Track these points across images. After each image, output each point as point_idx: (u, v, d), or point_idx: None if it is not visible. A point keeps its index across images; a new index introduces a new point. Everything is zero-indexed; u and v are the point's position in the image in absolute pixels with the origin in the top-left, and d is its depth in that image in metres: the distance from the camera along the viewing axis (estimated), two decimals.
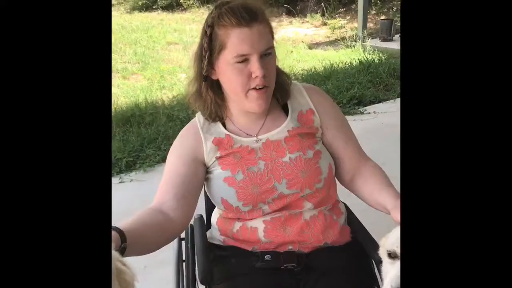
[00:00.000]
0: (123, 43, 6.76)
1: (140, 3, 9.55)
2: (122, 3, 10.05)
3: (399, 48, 5.61)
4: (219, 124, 1.11)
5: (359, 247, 1.11)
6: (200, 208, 1.21)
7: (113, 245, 0.78)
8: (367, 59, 5.08)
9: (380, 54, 5.41)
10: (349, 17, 7.98)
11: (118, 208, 1.56)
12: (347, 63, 5.09)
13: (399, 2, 8.02)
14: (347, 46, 6.10)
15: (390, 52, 5.52)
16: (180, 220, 1.02)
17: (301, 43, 6.69)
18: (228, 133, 1.10)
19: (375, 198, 1.03)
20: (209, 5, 9.31)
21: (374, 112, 3.72)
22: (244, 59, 0.99)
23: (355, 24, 7.01)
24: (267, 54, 1.01)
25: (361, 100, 3.93)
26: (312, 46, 6.57)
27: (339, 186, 1.18)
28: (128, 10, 9.65)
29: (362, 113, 3.73)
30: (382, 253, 0.84)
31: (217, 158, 1.08)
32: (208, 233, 1.19)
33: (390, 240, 0.81)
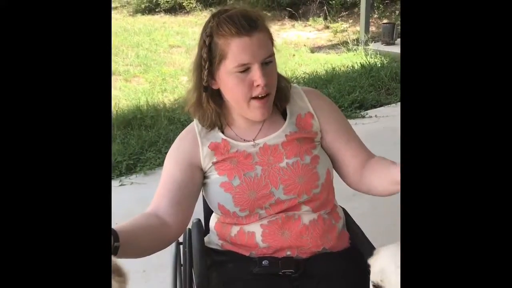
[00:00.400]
0: (125, 45, 6.78)
1: (143, 6, 9.58)
2: (125, 6, 10.09)
3: None
4: (217, 129, 1.11)
5: (358, 253, 1.10)
6: (199, 212, 1.20)
7: None
8: (369, 62, 5.08)
9: (382, 58, 5.41)
10: (351, 20, 7.99)
11: (119, 211, 1.55)
12: (349, 66, 5.09)
13: None
14: (349, 50, 6.11)
15: (392, 56, 5.52)
16: (176, 225, 1.01)
17: (303, 47, 6.69)
18: (224, 137, 1.09)
19: (387, 178, 0.97)
20: (211, 8, 9.33)
21: (376, 116, 3.72)
22: (245, 68, 0.98)
23: (358, 28, 7.02)
24: (268, 62, 1.00)
25: (362, 104, 3.93)
26: (314, 49, 6.57)
27: (337, 189, 1.17)
28: (131, 13, 9.68)
29: (363, 117, 3.72)
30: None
31: (214, 163, 1.07)
32: (206, 238, 1.19)
33: (373, 270, 0.80)
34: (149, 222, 0.97)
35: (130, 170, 2.97)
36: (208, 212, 1.25)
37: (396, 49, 5.85)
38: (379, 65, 4.97)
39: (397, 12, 7.87)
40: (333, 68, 5.01)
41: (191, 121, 1.15)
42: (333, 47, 6.66)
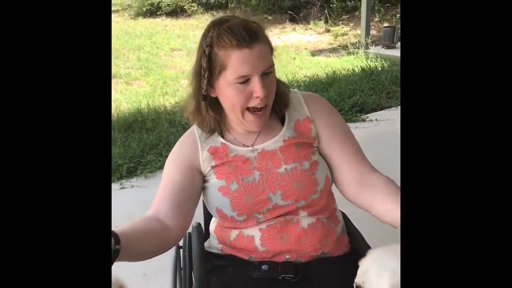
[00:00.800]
0: (126, 48, 6.79)
1: (144, 9, 9.60)
2: (126, 9, 10.11)
3: None
4: (216, 134, 1.11)
5: (357, 258, 1.09)
6: (199, 216, 1.20)
7: None
8: (370, 66, 5.09)
9: (383, 62, 5.42)
10: (352, 24, 8.00)
11: (119, 214, 1.56)
12: (349, 70, 5.09)
13: None
14: (349, 53, 6.12)
15: (393, 60, 5.53)
16: (176, 228, 1.01)
17: (304, 50, 6.70)
18: (224, 141, 1.09)
19: (392, 218, 0.92)
20: (213, 12, 9.36)
21: (376, 119, 3.72)
22: (245, 80, 0.98)
23: (358, 31, 7.02)
24: (268, 73, 1.00)
25: (363, 107, 3.93)
26: (315, 53, 6.58)
27: (337, 192, 1.16)
28: (132, 16, 9.70)
29: (364, 120, 3.72)
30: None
31: (212, 167, 1.08)
32: (206, 243, 1.19)
33: (359, 272, 0.79)
34: (150, 226, 0.97)
35: (130, 173, 2.97)
36: (208, 216, 1.25)
37: (396, 52, 5.85)
38: (380, 69, 4.98)
39: (398, 15, 7.88)
40: (334, 72, 5.02)
41: (192, 124, 1.15)
42: (333, 50, 6.67)
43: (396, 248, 0.74)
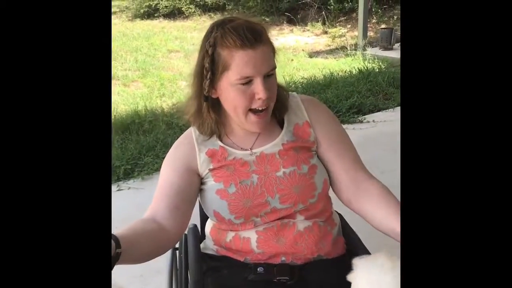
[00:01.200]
0: (124, 50, 6.79)
1: (141, 11, 9.60)
2: (123, 11, 10.11)
3: (399, 57, 5.64)
4: (214, 136, 1.10)
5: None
6: (194, 217, 1.20)
7: None
8: (367, 68, 5.10)
9: (380, 63, 5.43)
10: (349, 25, 8.02)
11: (116, 216, 1.55)
12: (347, 71, 5.10)
13: (400, 11, 8.05)
14: (347, 55, 6.13)
15: (390, 61, 5.54)
16: (174, 230, 1.01)
17: (302, 52, 6.71)
18: (222, 145, 1.09)
19: (388, 227, 0.96)
20: (210, 13, 9.36)
21: (373, 121, 3.72)
22: (248, 81, 0.98)
23: (356, 33, 7.04)
24: (270, 75, 1.00)
25: (360, 108, 3.93)
26: (313, 54, 6.59)
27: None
28: (130, 18, 9.70)
29: (361, 121, 3.72)
30: None
31: (210, 170, 1.07)
32: (202, 244, 1.18)
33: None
34: (148, 228, 0.97)
35: (127, 175, 2.97)
36: (204, 217, 1.25)
37: (394, 54, 5.87)
38: (377, 70, 4.99)
39: (395, 17, 7.90)
40: (331, 73, 5.02)
41: (189, 126, 1.15)
42: (331, 52, 6.68)
43: (383, 261, 0.75)
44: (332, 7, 8.21)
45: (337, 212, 1.21)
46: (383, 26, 7.31)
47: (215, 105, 1.07)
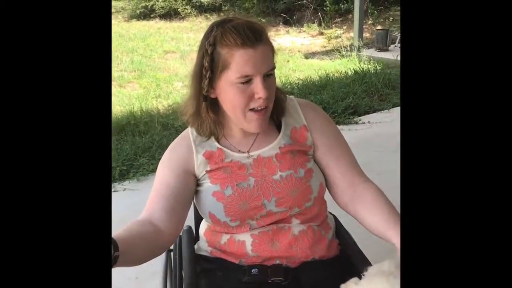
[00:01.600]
0: (120, 51, 6.78)
1: (138, 11, 9.59)
2: (120, 11, 10.09)
3: (395, 58, 5.66)
4: (212, 138, 1.10)
5: (347, 261, 1.10)
6: (189, 218, 1.20)
7: None
8: (363, 69, 5.12)
9: (376, 64, 5.45)
10: (345, 27, 8.04)
11: (112, 217, 1.54)
12: (342, 72, 5.12)
13: (395, 12, 8.08)
14: (342, 56, 6.14)
15: (386, 62, 5.56)
16: (169, 231, 1.00)
17: (298, 53, 6.73)
18: (220, 146, 1.09)
19: (381, 231, 0.98)
20: (206, 14, 9.36)
21: (369, 122, 3.73)
22: (247, 80, 0.97)
23: (352, 34, 7.06)
24: (269, 75, 1.00)
25: (355, 110, 3.94)
26: (308, 55, 6.61)
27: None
28: (126, 19, 9.69)
29: (356, 123, 3.74)
30: None
31: (207, 172, 1.07)
32: (195, 245, 1.18)
33: None
34: (145, 230, 0.96)
35: (123, 176, 2.96)
36: (198, 218, 1.24)
37: (389, 55, 5.89)
38: (373, 71, 5.00)
39: (391, 18, 7.93)
40: (327, 74, 5.04)
41: (185, 127, 1.14)
42: (327, 53, 6.70)
43: (381, 281, 0.76)
44: (328, 8, 8.24)
45: (332, 214, 1.22)
46: (378, 27, 7.33)
47: (214, 105, 1.06)
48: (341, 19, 8.33)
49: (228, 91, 1.00)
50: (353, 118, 3.80)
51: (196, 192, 1.10)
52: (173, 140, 1.15)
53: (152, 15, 9.45)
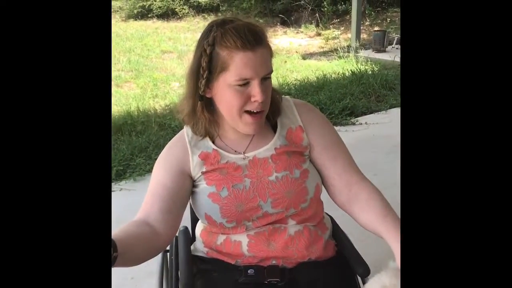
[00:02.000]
0: (117, 51, 6.76)
1: (135, 11, 9.58)
2: (117, 11, 10.08)
3: (392, 59, 5.68)
4: (207, 139, 1.10)
5: (344, 261, 1.10)
6: (185, 219, 1.19)
7: None
8: (360, 70, 5.13)
9: (373, 65, 5.46)
10: (343, 28, 8.06)
11: None
12: (340, 73, 5.13)
13: (393, 14, 8.11)
14: (340, 57, 6.15)
15: (383, 63, 5.57)
16: (166, 232, 1.00)
17: (295, 53, 6.73)
18: (216, 148, 1.08)
19: (374, 228, 0.99)
20: (204, 14, 9.36)
21: (366, 123, 3.74)
22: (245, 82, 0.97)
23: (349, 35, 7.07)
24: (267, 78, 1.00)
25: (353, 111, 3.95)
26: (306, 56, 6.61)
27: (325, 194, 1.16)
28: (123, 18, 9.68)
29: (354, 124, 3.74)
30: None
31: (203, 173, 1.07)
32: (192, 246, 1.18)
33: None
34: (141, 231, 0.96)
35: (119, 176, 2.95)
36: (194, 219, 1.24)
37: (386, 56, 5.91)
38: (370, 72, 5.01)
39: (389, 19, 7.95)
40: (324, 75, 5.04)
41: (182, 127, 1.14)
42: (324, 54, 6.71)
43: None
44: (325, 9, 8.25)
45: (328, 215, 1.21)
46: (376, 28, 7.35)
47: (210, 105, 1.06)
48: (338, 20, 8.35)
49: (225, 93, 0.99)
50: (350, 119, 3.81)
51: (192, 193, 1.09)
52: (169, 140, 1.14)
53: (149, 15, 9.44)
